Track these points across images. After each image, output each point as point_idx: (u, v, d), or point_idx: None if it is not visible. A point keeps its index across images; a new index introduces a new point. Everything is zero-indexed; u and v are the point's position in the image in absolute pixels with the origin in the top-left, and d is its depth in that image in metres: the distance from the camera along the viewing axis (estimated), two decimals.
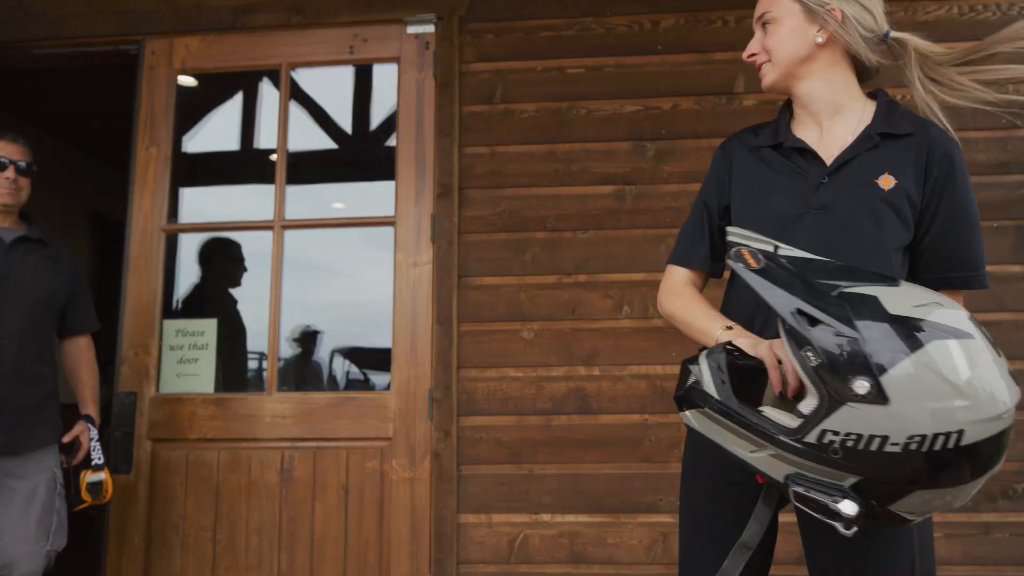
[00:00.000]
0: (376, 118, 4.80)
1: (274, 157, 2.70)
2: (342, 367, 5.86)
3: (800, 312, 0.99)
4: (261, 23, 2.76)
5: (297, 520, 2.49)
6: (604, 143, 2.58)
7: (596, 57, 2.63)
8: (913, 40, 1.37)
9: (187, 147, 4.69)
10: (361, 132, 4.94)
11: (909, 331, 0.95)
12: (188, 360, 2.68)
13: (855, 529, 0.97)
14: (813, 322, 0.98)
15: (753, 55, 1.42)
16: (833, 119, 1.37)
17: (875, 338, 0.95)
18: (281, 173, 2.71)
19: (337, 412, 2.53)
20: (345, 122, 4.93)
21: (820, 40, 1.34)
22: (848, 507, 0.96)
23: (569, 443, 2.44)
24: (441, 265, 2.55)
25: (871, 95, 1.41)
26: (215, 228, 2.87)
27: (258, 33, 2.77)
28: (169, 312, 2.76)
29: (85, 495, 2.31)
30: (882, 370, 0.94)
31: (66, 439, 2.34)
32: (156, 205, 2.71)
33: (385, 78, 2.83)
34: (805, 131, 1.40)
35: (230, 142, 4.94)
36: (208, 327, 2.71)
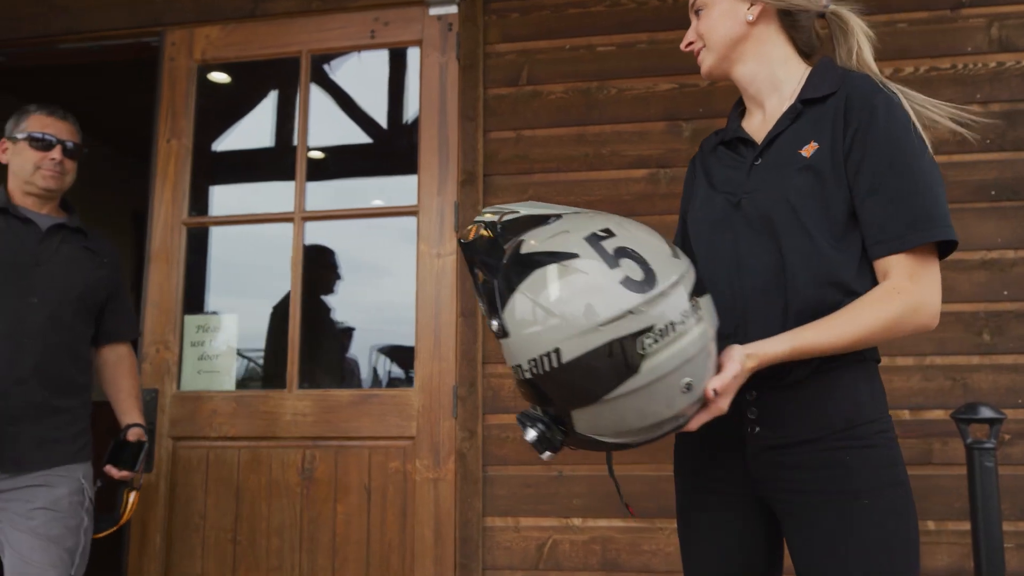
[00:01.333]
0: (411, 109, 4.73)
1: (313, 155, 2.63)
2: (384, 365, 5.81)
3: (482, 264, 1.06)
4: (281, 9, 2.68)
5: (318, 521, 2.40)
6: (637, 124, 2.43)
7: (627, 33, 2.48)
8: (855, 20, 1.30)
9: (221, 145, 4.69)
10: (395, 123, 4.86)
11: (523, 267, 1.01)
12: (209, 356, 2.62)
13: (548, 454, 1.05)
14: (490, 279, 1.05)
15: (690, 44, 1.36)
16: (771, 99, 1.30)
17: (501, 280, 1.02)
18: (302, 164, 2.63)
19: (359, 410, 2.43)
20: (380, 114, 4.87)
21: (751, 18, 1.28)
22: (529, 435, 1.04)
23: None
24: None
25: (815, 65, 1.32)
26: (236, 221, 2.80)
27: (278, 20, 2.69)
28: (190, 307, 2.70)
29: (127, 513, 2.06)
30: (501, 308, 1.02)
31: (130, 437, 2.07)
32: (177, 199, 2.66)
33: (415, 65, 2.73)
34: (750, 119, 1.35)
35: (264, 138, 4.92)
36: (229, 322, 2.64)
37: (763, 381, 1.16)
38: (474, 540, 2.29)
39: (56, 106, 2.09)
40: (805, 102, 1.25)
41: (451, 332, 2.41)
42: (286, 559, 2.39)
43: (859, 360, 1.19)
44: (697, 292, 1.04)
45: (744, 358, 1.09)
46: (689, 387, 0.99)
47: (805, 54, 1.33)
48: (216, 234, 3.09)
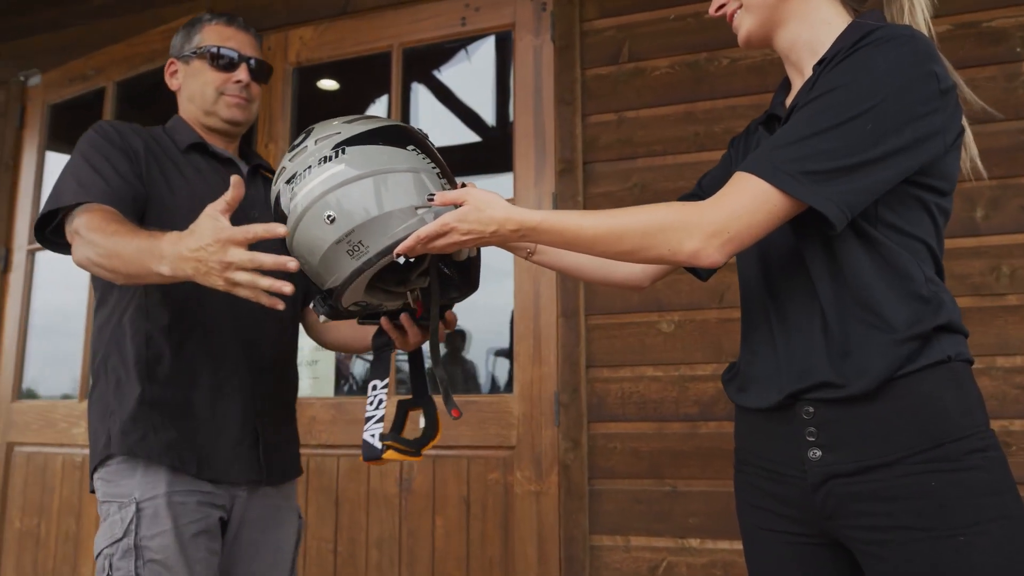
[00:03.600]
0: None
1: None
2: (502, 368, 5.72)
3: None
4: (371, 4, 2.60)
5: (417, 535, 2.29)
6: (753, 96, 2.16)
7: None
8: None
9: None
10: (499, 116, 4.73)
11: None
12: (309, 363, 2.57)
13: (323, 318, 1.21)
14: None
15: (721, 6, 1.14)
16: (810, 67, 1.06)
17: None
18: None
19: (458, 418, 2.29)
20: (484, 109, 4.75)
21: None
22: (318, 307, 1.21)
23: (720, 455, 2.05)
24: None
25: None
26: None
27: (368, 15, 2.61)
28: None
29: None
30: None
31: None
32: None
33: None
34: (793, 93, 1.12)
35: None
36: None
37: (820, 393, 0.96)
38: (580, 560, 2.10)
39: (233, 14, 1.62)
40: (820, 64, 1.01)
41: (552, 334, 2.24)
42: (385, 573, 2.29)
43: (942, 360, 0.94)
44: (348, 144, 1.13)
45: (482, 199, 1.06)
46: (331, 220, 1.08)
47: (856, 11, 1.08)
48: None
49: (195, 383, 1.40)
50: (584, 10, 2.36)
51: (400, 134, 1.17)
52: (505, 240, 1.07)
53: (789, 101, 1.11)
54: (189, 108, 1.56)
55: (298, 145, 1.17)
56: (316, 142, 1.14)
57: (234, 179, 1.11)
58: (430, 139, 1.22)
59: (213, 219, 1.08)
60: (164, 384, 1.38)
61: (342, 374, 4.15)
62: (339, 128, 1.16)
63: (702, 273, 1.33)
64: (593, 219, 1.03)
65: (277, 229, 1.07)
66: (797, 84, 1.12)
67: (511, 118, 4.65)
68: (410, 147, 1.15)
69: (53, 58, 3.05)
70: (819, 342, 0.98)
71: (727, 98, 2.20)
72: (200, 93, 1.54)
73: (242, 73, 1.53)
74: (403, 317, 1.27)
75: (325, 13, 2.66)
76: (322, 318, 1.20)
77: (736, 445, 1.16)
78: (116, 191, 1.35)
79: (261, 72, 1.58)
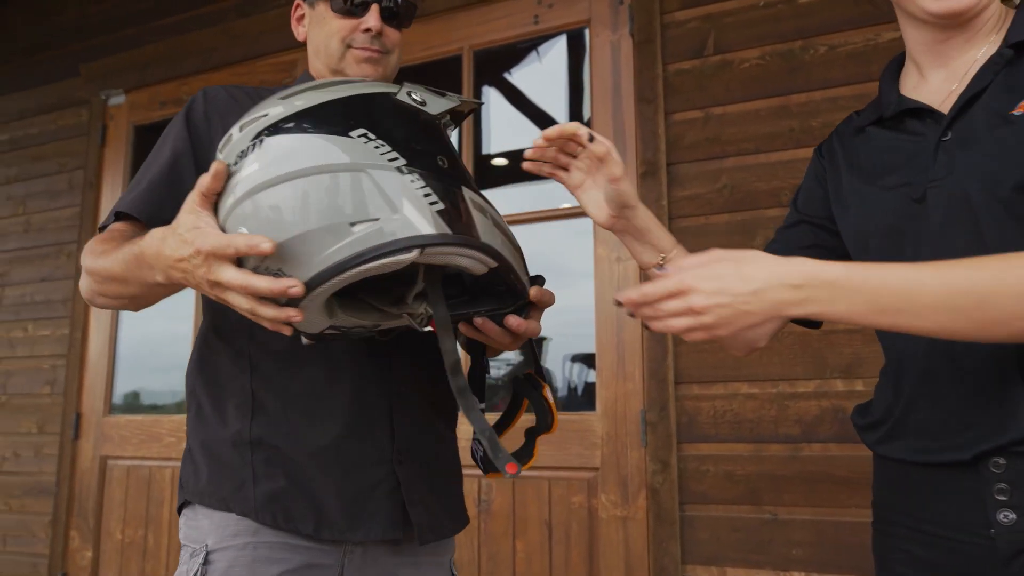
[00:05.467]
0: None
1: (497, 161, 2.45)
2: (579, 375, 5.57)
3: None
4: (441, 6, 2.52)
5: (497, 559, 2.18)
6: (854, 86, 1.97)
7: None
8: None
9: None
10: (575, 117, 4.60)
11: None
12: None
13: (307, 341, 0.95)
14: None
15: None
16: (964, 51, 0.90)
17: None
18: (471, 169, 2.44)
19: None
20: (558, 110, 4.64)
21: None
22: None
23: (825, 480, 1.87)
24: None
25: None
26: None
27: (438, 18, 2.53)
28: None
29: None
30: None
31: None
32: None
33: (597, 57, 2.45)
34: (918, 83, 0.96)
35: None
36: None
37: (1012, 439, 0.79)
38: None
39: None
40: (1017, 46, 0.85)
41: (636, 348, 2.10)
42: None
43: None
44: (270, 133, 0.85)
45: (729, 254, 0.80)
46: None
47: None
48: None
49: (312, 418, 1.10)
50: (664, 2, 2.21)
51: (348, 112, 0.87)
52: (770, 315, 0.78)
53: (930, 91, 0.93)
54: (315, 64, 1.26)
55: (226, 133, 0.92)
56: (241, 128, 0.88)
57: (214, 166, 0.86)
58: (436, 105, 0.93)
59: (193, 215, 0.86)
60: (268, 422, 1.10)
61: None
62: (268, 108, 0.88)
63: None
64: (934, 272, 0.75)
65: (262, 245, 0.79)
66: (928, 73, 0.94)
67: (585, 118, 4.52)
68: (357, 132, 0.84)
69: (133, 76, 3.09)
70: (1019, 387, 0.80)
71: (825, 89, 2.02)
72: (324, 46, 1.22)
73: (372, 19, 1.19)
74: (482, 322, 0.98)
75: None
76: (304, 340, 0.94)
77: (876, 500, 1.00)
78: (152, 195, 1.11)
79: (401, 14, 1.22)
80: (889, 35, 1.96)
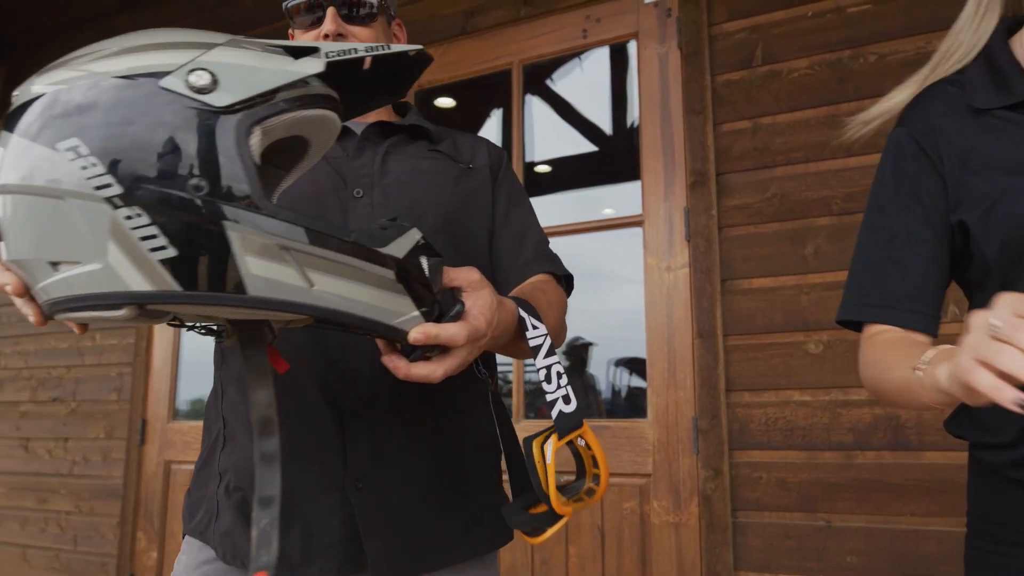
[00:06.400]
0: (634, 106, 4.49)
1: (540, 168, 2.50)
2: (622, 379, 5.58)
3: None
4: (491, 22, 2.58)
5: (550, 564, 2.22)
6: None
7: None
8: None
9: None
10: (619, 125, 4.64)
11: None
12: None
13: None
14: None
15: None
16: None
17: None
18: (519, 178, 2.49)
19: None
20: (602, 118, 4.68)
21: None
22: None
23: (880, 488, 1.87)
24: (699, 267, 2.13)
25: None
26: None
27: (488, 33, 2.59)
28: None
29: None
30: None
31: None
32: None
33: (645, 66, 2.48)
34: None
35: None
36: None
37: None
38: None
39: None
40: None
41: (687, 356, 2.12)
42: None
43: None
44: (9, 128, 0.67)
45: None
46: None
47: None
48: None
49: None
50: (712, 13, 2.24)
51: (65, 111, 0.63)
52: None
53: None
54: None
55: None
56: None
57: None
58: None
59: None
60: (233, 450, 1.04)
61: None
62: (25, 89, 0.66)
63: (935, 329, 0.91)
64: None
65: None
66: None
67: (629, 124, 4.55)
68: (65, 144, 0.61)
69: None
70: None
71: (875, 97, 2.00)
72: None
73: (328, 24, 1.13)
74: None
75: (445, 34, 2.66)
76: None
77: (977, 510, 0.93)
78: None
79: (361, 12, 1.16)
80: (940, 43, 1.96)
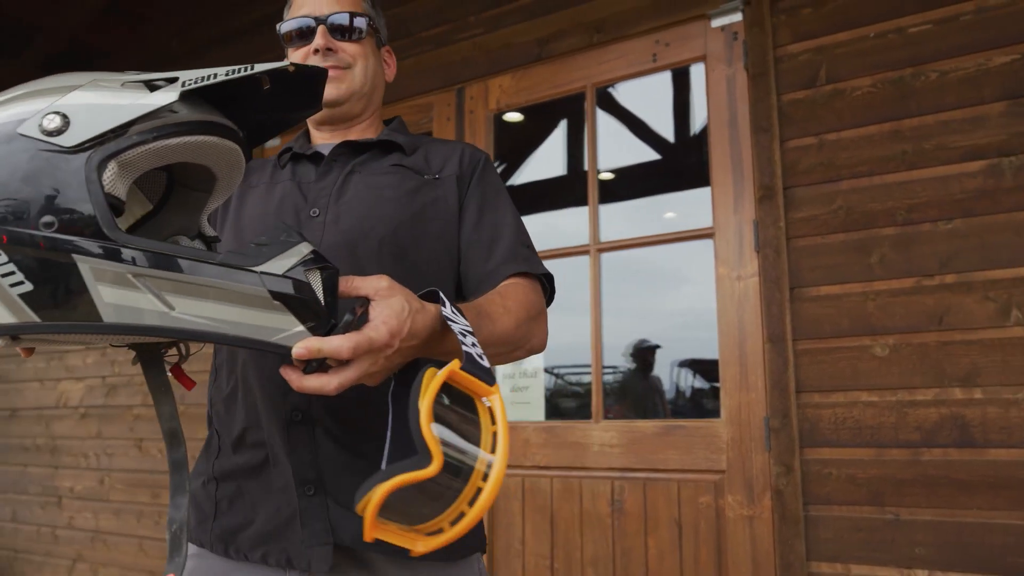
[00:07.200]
0: (697, 121, 4.63)
1: (604, 176, 2.66)
2: (686, 379, 5.68)
3: None
4: (564, 49, 2.76)
5: (630, 555, 2.39)
6: (966, 109, 2.08)
7: (946, 6, 2.14)
8: None
9: (516, 179, 4.97)
10: (681, 136, 4.77)
11: None
12: (520, 388, 2.75)
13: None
14: None
15: None
16: None
17: None
18: (593, 195, 2.66)
19: (665, 442, 2.38)
20: (665, 130, 4.82)
21: None
22: None
23: (946, 483, 1.98)
24: (769, 277, 2.26)
25: None
26: None
27: (561, 59, 2.77)
28: None
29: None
30: None
31: None
32: None
33: (699, 77, 2.63)
34: None
35: (555, 168, 5.12)
36: (535, 356, 2.76)
37: None
38: None
39: None
40: None
41: (758, 360, 2.26)
42: None
43: None
44: None
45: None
46: None
47: None
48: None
49: (240, 444, 1.11)
50: (777, 36, 2.37)
51: None
52: None
53: None
54: None
55: None
56: None
57: None
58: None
59: None
60: (219, 457, 1.14)
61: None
62: None
63: None
64: None
65: None
66: None
67: (691, 132, 4.68)
68: None
69: None
70: None
71: (936, 113, 2.13)
72: None
73: (319, 38, 1.21)
74: None
75: (521, 61, 2.85)
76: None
77: None
78: None
79: (348, 27, 1.23)
80: (1000, 59, 2.06)
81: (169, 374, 0.86)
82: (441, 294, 0.88)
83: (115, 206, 0.72)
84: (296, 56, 1.24)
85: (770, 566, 2.16)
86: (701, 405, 5.26)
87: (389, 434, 0.83)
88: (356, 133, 1.28)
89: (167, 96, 0.73)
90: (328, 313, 0.78)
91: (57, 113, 0.70)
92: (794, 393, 2.19)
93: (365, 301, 0.82)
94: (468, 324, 0.84)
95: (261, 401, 1.06)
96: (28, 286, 0.68)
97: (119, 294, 0.70)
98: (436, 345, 0.89)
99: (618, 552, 2.40)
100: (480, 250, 1.17)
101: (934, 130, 2.12)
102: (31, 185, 0.68)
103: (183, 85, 0.73)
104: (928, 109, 2.14)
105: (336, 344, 0.77)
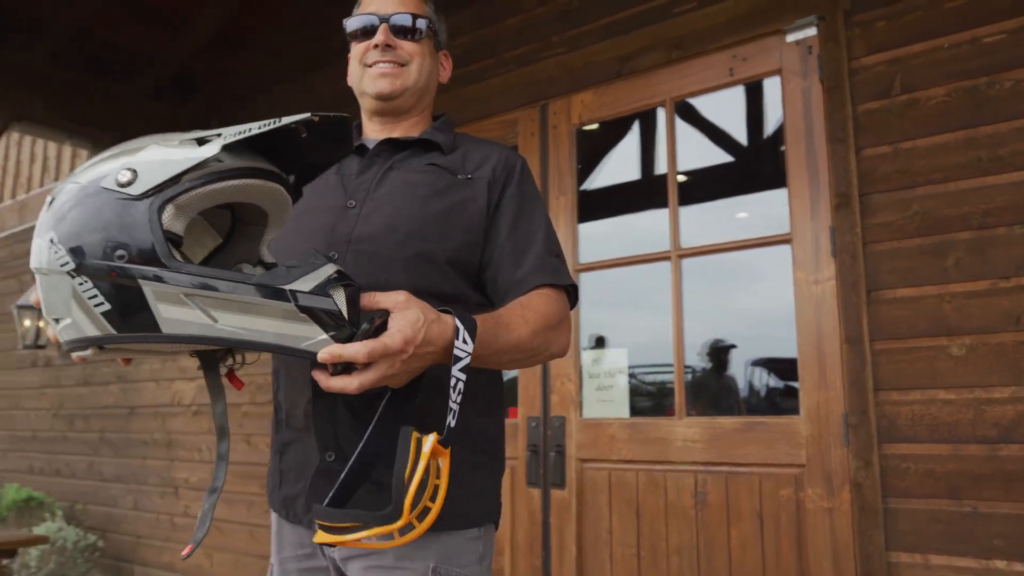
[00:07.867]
0: (770, 127, 4.70)
1: (680, 179, 2.78)
2: (760, 378, 5.73)
3: None
4: (644, 65, 2.91)
5: (713, 545, 2.52)
6: None
7: (1019, 16, 2.21)
8: None
9: (591, 185, 5.13)
10: (755, 143, 4.85)
11: None
12: (604, 387, 2.91)
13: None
14: None
15: None
16: None
17: None
18: (674, 203, 2.80)
19: (745, 437, 2.51)
20: (739, 134, 4.91)
21: None
22: None
23: None
24: (845, 280, 2.37)
25: None
26: (619, 264, 3.04)
27: (641, 76, 2.92)
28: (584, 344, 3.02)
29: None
30: None
31: None
32: (567, 249, 3.01)
33: (774, 87, 2.73)
34: None
35: (631, 173, 5.26)
36: (618, 357, 2.92)
37: None
38: None
39: None
40: None
41: (836, 360, 2.37)
42: None
43: None
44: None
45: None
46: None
47: None
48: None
49: (288, 420, 1.29)
50: (851, 49, 2.47)
51: (53, 211, 0.94)
52: None
53: None
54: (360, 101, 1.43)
55: None
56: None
57: None
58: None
59: None
60: (279, 426, 1.31)
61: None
62: (56, 187, 0.97)
63: None
64: None
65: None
66: None
67: (763, 136, 4.75)
68: (47, 236, 0.92)
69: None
70: None
71: (1011, 120, 2.20)
72: (352, 73, 1.39)
73: (380, 35, 1.31)
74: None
75: (603, 77, 3.01)
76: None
77: None
78: None
79: (409, 28, 1.32)
80: None
81: (224, 378, 1.03)
82: (458, 320, 0.99)
83: (174, 240, 0.91)
84: (357, 50, 1.36)
85: (849, 556, 2.27)
86: (775, 403, 5.32)
87: (367, 435, 1.00)
88: (404, 128, 1.38)
89: (211, 149, 0.91)
90: (349, 323, 0.93)
91: (129, 169, 0.90)
92: (872, 391, 2.30)
93: (385, 313, 0.96)
94: (468, 353, 0.98)
95: (289, 403, 1.26)
96: (107, 306, 0.88)
97: (174, 310, 0.88)
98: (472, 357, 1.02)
99: (702, 542, 2.54)
100: (512, 257, 1.26)
101: (1008, 137, 2.19)
102: (109, 226, 0.88)
103: (224, 139, 0.91)
104: (1003, 116, 2.21)
105: (354, 350, 0.91)
